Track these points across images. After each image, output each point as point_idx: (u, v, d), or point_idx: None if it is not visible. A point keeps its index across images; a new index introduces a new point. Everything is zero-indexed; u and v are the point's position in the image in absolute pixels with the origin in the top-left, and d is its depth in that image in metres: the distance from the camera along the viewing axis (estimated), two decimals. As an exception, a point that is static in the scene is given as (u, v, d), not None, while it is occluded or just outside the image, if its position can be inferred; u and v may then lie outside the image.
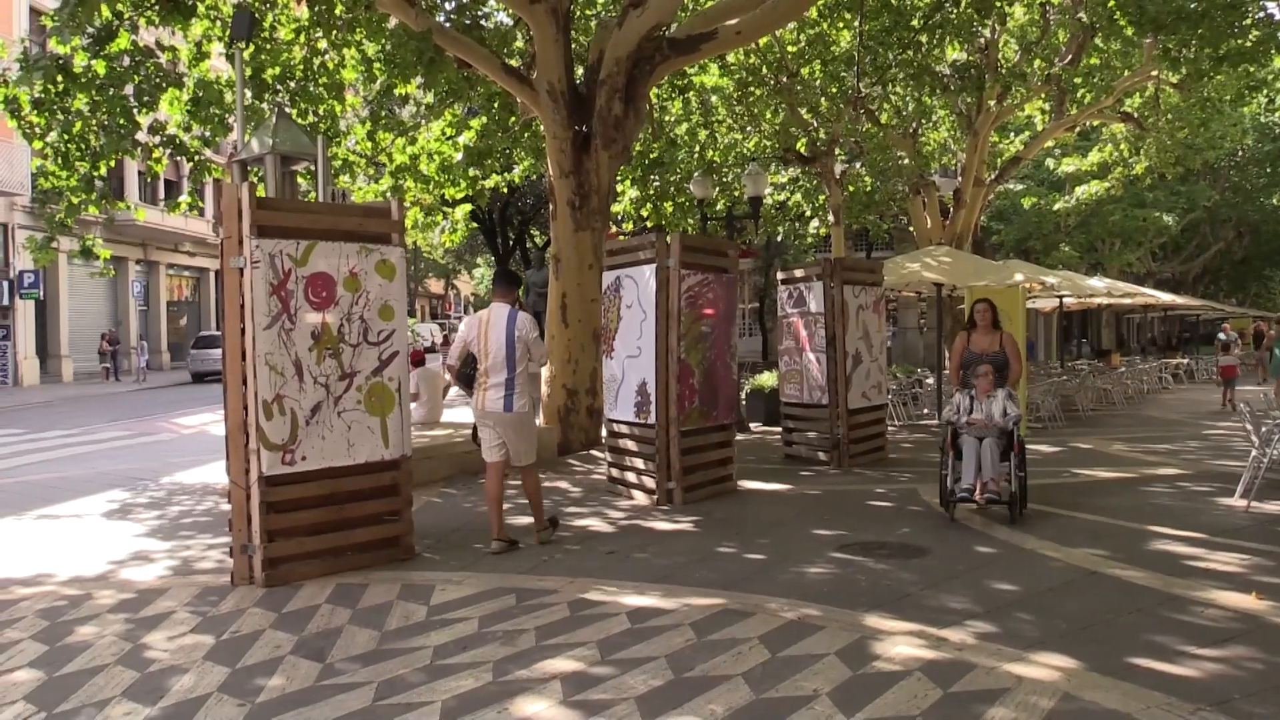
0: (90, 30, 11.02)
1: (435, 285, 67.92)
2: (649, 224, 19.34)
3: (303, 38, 13.08)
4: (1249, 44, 13.31)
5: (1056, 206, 29.49)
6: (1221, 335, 20.90)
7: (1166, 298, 27.23)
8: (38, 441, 15.22)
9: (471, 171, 16.07)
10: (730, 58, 17.75)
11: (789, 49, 18.39)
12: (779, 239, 29.35)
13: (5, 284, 27.42)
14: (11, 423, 18.00)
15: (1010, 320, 13.52)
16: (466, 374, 7.05)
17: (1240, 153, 33.21)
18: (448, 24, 13.17)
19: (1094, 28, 16.83)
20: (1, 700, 4.25)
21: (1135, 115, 22.12)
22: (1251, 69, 15.83)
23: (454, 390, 11.24)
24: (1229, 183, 36.08)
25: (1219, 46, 13.19)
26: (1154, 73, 19.22)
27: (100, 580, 6.32)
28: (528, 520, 7.37)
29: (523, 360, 6.87)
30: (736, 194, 20.67)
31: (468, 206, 18.65)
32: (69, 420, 18.23)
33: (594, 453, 11.56)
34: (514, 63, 13.75)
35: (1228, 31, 12.99)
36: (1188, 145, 23.60)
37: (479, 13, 14.48)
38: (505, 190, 20.74)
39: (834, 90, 18.63)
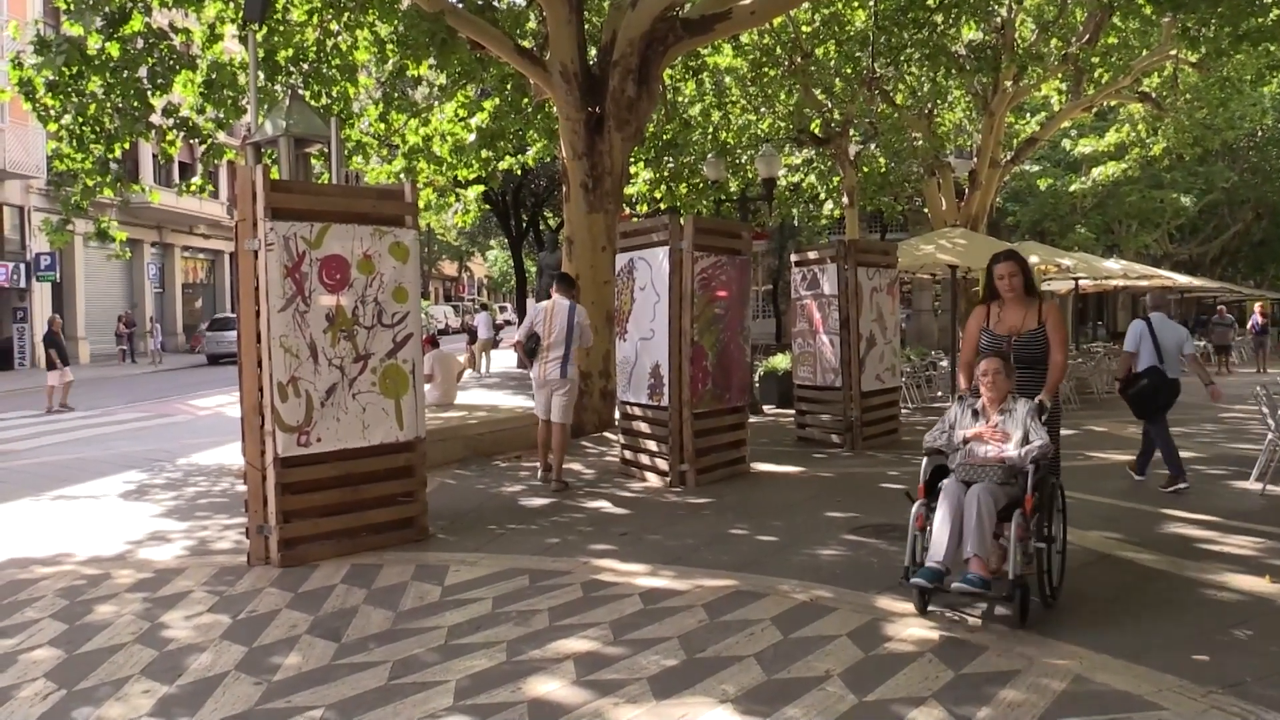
0: (104, 12, 11.05)
1: (449, 267, 67.96)
2: (662, 206, 19.29)
3: (315, 19, 13.06)
4: (1269, 22, 13.12)
5: (1073, 188, 29.26)
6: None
7: (1184, 280, 27.01)
8: (56, 423, 15.34)
9: (484, 153, 16.06)
10: (744, 38, 17.66)
11: (803, 29, 18.26)
12: (793, 221, 29.25)
13: (22, 266, 27.59)
14: (30, 404, 18.14)
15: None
16: (530, 348, 8.71)
17: (1260, 133, 32.81)
18: (460, 5, 13.12)
19: (1112, 6, 16.64)
20: (22, 677, 4.30)
21: (1153, 95, 21.88)
22: (1272, 48, 15.60)
23: (468, 373, 12.29)
24: (1248, 163, 35.68)
25: (1239, 25, 13.03)
26: (1173, 52, 18.99)
27: (118, 560, 6.39)
28: (543, 502, 7.40)
29: (575, 341, 8.64)
30: (750, 175, 20.59)
31: (480, 187, 18.64)
32: (86, 402, 18.36)
33: (607, 435, 11.58)
34: (527, 44, 13.71)
35: (1248, 10, 12.81)
36: (1206, 125, 23.35)
37: (492, -6, 14.43)
38: (518, 172, 20.74)
39: (848, 71, 18.52)
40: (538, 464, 9.04)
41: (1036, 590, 4.84)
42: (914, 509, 4.98)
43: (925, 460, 5.18)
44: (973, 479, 4.92)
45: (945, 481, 4.99)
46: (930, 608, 4.85)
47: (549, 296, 8.90)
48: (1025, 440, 5.01)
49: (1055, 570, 5.06)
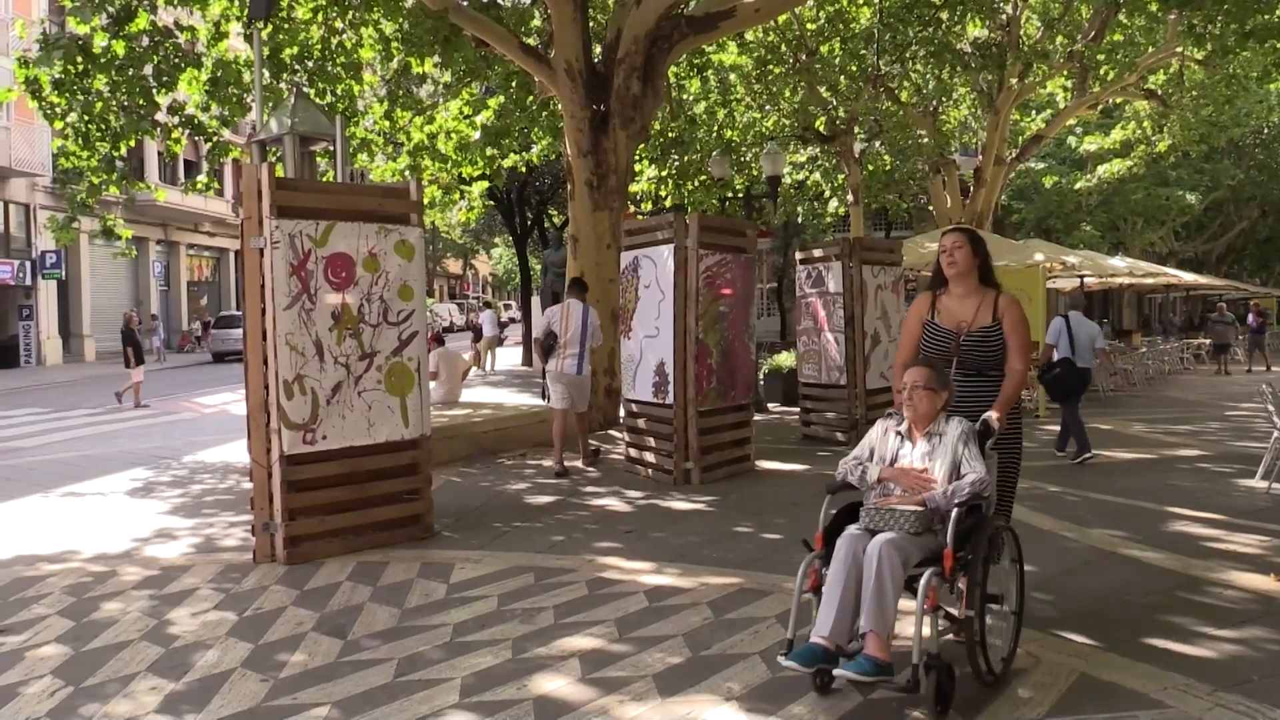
0: (109, 10, 11.07)
1: (453, 265, 68.03)
2: (667, 203, 19.29)
3: (320, 17, 13.08)
4: (1276, 19, 13.09)
5: (1078, 185, 29.20)
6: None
7: (1189, 277, 27.00)
8: (62, 420, 15.39)
9: (489, 150, 16.08)
10: (749, 35, 17.64)
11: (808, 26, 18.25)
12: (797, 218, 29.23)
13: (28, 264, 27.66)
14: (36, 401, 18.20)
15: (1031, 301, 13.45)
16: (548, 345, 9.46)
17: (1266, 130, 32.72)
18: (465, 2, 13.14)
19: (1117, 3, 16.62)
20: (30, 674, 4.32)
21: (1159, 92, 21.84)
22: (1278, 45, 15.59)
23: (473, 371, 12.87)
24: (1254, 161, 35.59)
25: (1245, 22, 13.00)
26: (1178, 49, 18.95)
27: (125, 557, 6.41)
28: (549, 500, 7.40)
29: (589, 340, 9.44)
30: (755, 173, 20.58)
31: (484, 185, 18.66)
32: (93, 399, 18.41)
33: (612, 433, 11.59)
34: (531, 41, 13.72)
35: (1254, 7, 12.78)
36: (1212, 123, 23.30)
37: (496, -9, 14.44)
38: (523, 170, 20.74)
39: (853, 68, 18.49)
40: (552, 461, 9.32)
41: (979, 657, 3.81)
42: (804, 564, 3.88)
43: (828, 499, 4.11)
44: (880, 527, 3.85)
45: (848, 530, 3.89)
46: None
47: (554, 294, 9.05)
48: (956, 474, 3.98)
49: (1008, 639, 4.11)
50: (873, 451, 4.23)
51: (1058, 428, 10.53)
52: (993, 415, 4.19)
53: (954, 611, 3.81)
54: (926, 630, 3.63)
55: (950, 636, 4.07)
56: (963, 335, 4.50)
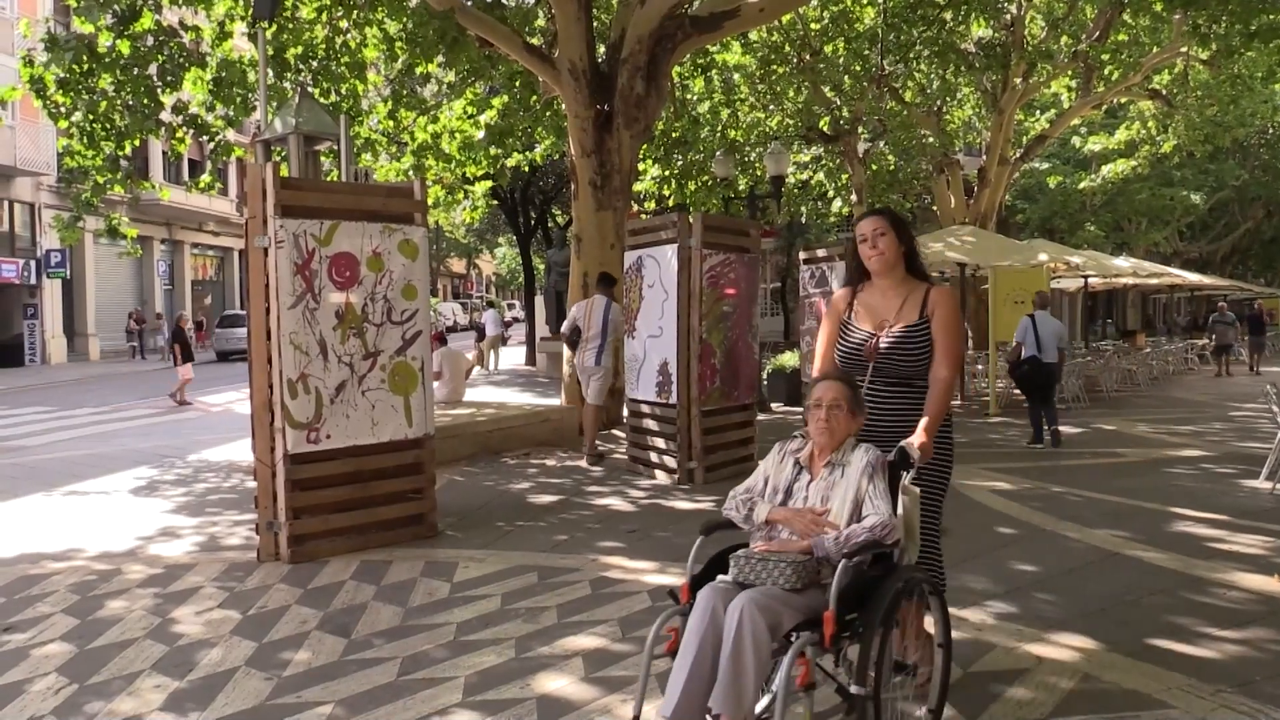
0: (114, 10, 11.09)
1: (457, 264, 68.08)
2: (671, 203, 19.28)
3: (325, 17, 13.09)
4: (1280, 20, 13.10)
5: (1082, 185, 29.15)
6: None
7: (1193, 278, 26.94)
8: (68, 419, 15.42)
9: (493, 150, 16.07)
10: (753, 35, 17.64)
11: (812, 26, 18.24)
12: (801, 218, 29.21)
13: (33, 263, 27.71)
14: (41, 400, 18.24)
15: (1024, 297, 13.48)
16: (573, 340, 10.00)
17: (1270, 130, 32.64)
18: (469, 2, 13.15)
19: (1122, 3, 16.59)
20: (35, 672, 4.33)
21: (1163, 92, 21.81)
22: (1283, 45, 15.58)
23: (476, 370, 13.18)
24: (1259, 161, 35.52)
25: (1249, 22, 13.00)
26: (1183, 49, 18.93)
27: (129, 555, 6.42)
28: (552, 499, 7.41)
29: (610, 334, 9.78)
30: (758, 173, 20.58)
31: (488, 184, 18.66)
32: (97, 398, 18.45)
33: (615, 432, 11.59)
34: (535, 41, 13.72)
35: (1259, 7, 12.78)
36: (1217, 123, 23.25)
37: (500, -9, 14.44)
38: (527, 169, 20.75)
39: (857, 68, 18.49)
40: (585, 449, 9.88)
41: None
42: (658, 621, 3.16)
43: (699, 541, 3.39)
44: (751, 580, 3.09)
45: (713, 582, 3.16)
46: None
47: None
48: (856, 514, 3.23)
49: (934, 694, 3.44)
50: (767, 482, 3.48)
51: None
52: (914, 441, 3.35)
53: (851, 686, 2.96)
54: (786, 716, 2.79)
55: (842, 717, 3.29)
56: (878, 339, 3.72)
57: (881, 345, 3.70)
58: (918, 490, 3.36)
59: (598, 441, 10.02)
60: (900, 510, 3.25)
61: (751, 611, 2.88)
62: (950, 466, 3.83)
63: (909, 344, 3.68)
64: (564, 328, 10.42)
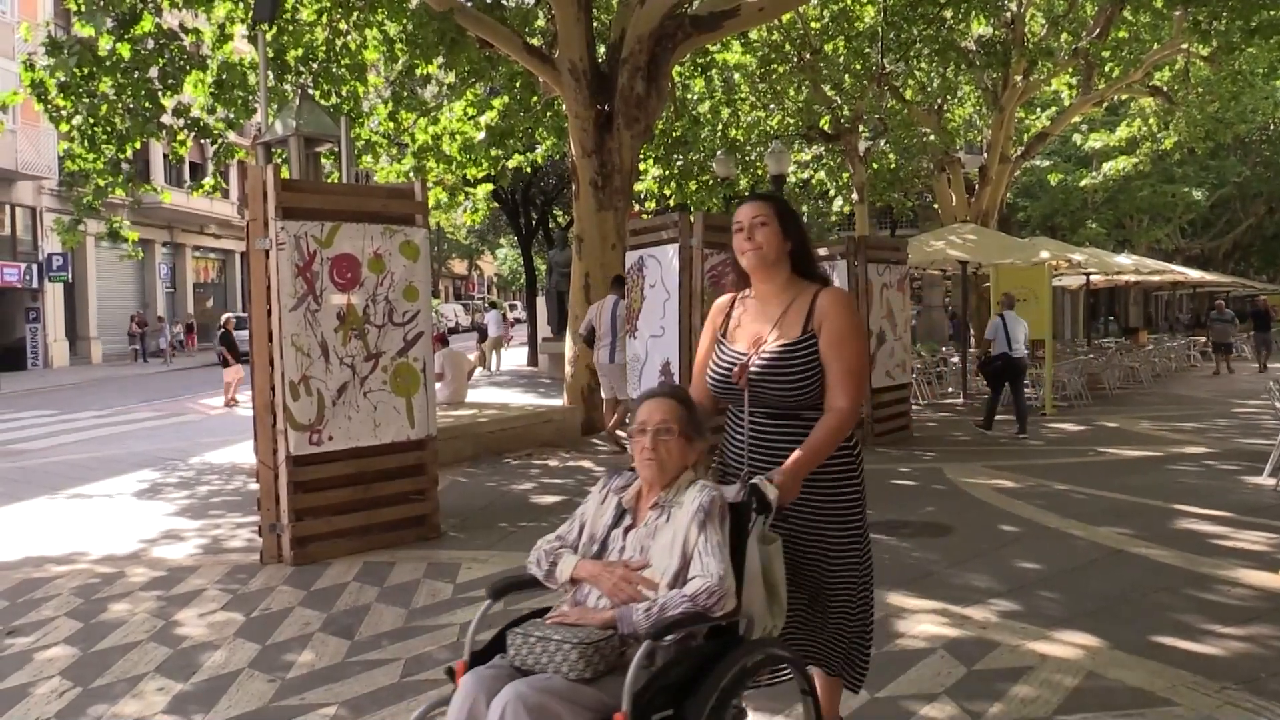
0: (115, 13, 11.10)
1: (459, 266, 68.12)
2: (672, 203, 19.28)
3: (325, 19, 13.10)
4: (1281, 15, 13.09)
5: (1083, 183, 29.16)
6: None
7: (1195, 275, 26.90)
8: (70, 422, 15.43)
9: (494, 151, 16.08)
10: (753, 34, 17.63)
11: (812, 25, 18.24)
12: (802, 217, 29.24)
13: (34, 267, 27.73)
14: (44, 404, 18.25)
15: (1037, 299, 13.49)
16: (589, 339, 10.39)
17: (1271, 127, 32.62)
18: (469, 3, 13.15)
19: (1122, 0, 16.58)
20: (38, 675, 4.33)
21: (1164, 89, 21.80)
22: (1284, 41, 15.56)
23: (478, 371, 13.47)
24: (1260, 157, 35.49)
25: (1250, 19, 12.98)
26: (1184, 46, 18.90)
27: (132, 558, 6.42)
28: (554, 500, 7.41)
29: (619, 330, 9.93)
30: (759, 172, 20.58)
31: (489, 186, 18.67)
32: (100, 401, 18.46)
33: (618, 433, 11.58)
34: (535, 42, 13.72)
35: (1259, 3, 12.77)
36: (1218, 119, 23.23)
37: (500, -8, 14.45)
38: (528, 170, 20.75)
39: (858, 66, 18.48)
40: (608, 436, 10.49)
41: None
42: (422, 708, 2.57)
43: (485, 605, 2.85)
44: (530, 665, 2.42)
45: (483, 667, 2.55)
46: None
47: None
48: (682, 576, 2.49)
49: None
50: (583, 529, 2.77)
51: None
52: (769, 478, 2.62)
53: None
54: None
55: None
56: (754, 356, 2.90)
57: (752, 369, 2.87)
58: (778, 540, 2.64)
59: (619, 432, 10.27)
60: (748, 568, 2.52)
61: (517, 709, 2.17)
62: (860, 509, 3.00)
63: (785, 367, 2.83)
64: (580, 329, 10.82)
